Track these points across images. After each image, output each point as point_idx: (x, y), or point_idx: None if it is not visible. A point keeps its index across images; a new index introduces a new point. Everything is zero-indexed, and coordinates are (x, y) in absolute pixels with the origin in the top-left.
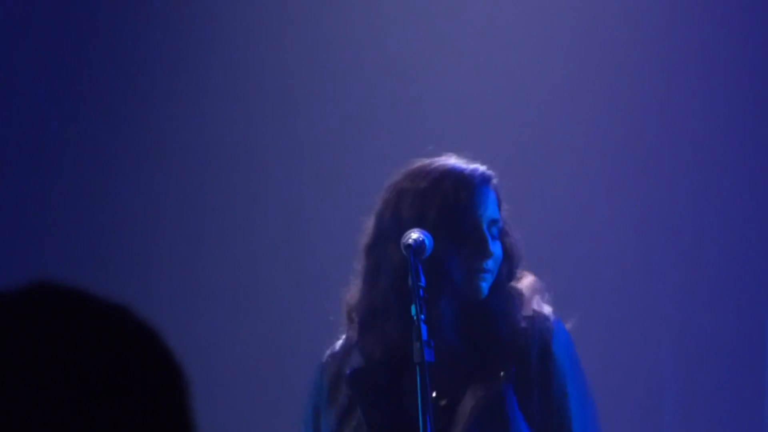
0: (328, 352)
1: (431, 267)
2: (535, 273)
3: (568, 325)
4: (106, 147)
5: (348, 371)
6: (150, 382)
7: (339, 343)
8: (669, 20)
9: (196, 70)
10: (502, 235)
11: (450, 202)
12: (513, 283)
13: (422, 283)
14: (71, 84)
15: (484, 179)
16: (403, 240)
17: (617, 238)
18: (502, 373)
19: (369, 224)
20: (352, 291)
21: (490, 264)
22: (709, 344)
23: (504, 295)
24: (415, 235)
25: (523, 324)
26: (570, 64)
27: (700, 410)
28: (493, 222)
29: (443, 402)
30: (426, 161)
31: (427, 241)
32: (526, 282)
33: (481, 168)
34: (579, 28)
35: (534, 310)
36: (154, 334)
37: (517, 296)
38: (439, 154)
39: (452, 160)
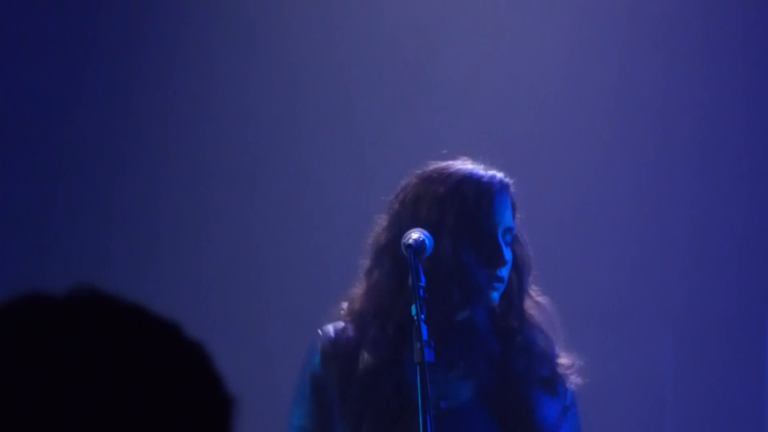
0: (328, 337)
1: (456, 273)
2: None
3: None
4: (107, 146)
5: (359, 367)
6: (193, 402)
7: (336, 329)
8: (669, 20)
9: (199, 69)
10: (513, 243)
11: (470, 208)
12: (530, 304)
13: (422, 283)
14: (71, 84)
15: (503, 186)
16: (404, 240)
17: (617, 237)
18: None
19: (382, 225)
20: (359, 290)
21: (503, 272)
22: (710, 344)
23: (523, 320)
24: (415, 235)
25: (551, 373)
26: (574, 64)
27: (700, 410)
28: (508, 230)
29: (445, 404)
30: (442, 165)
31: (427, 242)
32: (543, 310)
33: (499, 175)
34: (584, 29)
35: (562, 365)
36: (204, 354)
37: (540, 332)
38: (453, 157)
39: (469, 165)
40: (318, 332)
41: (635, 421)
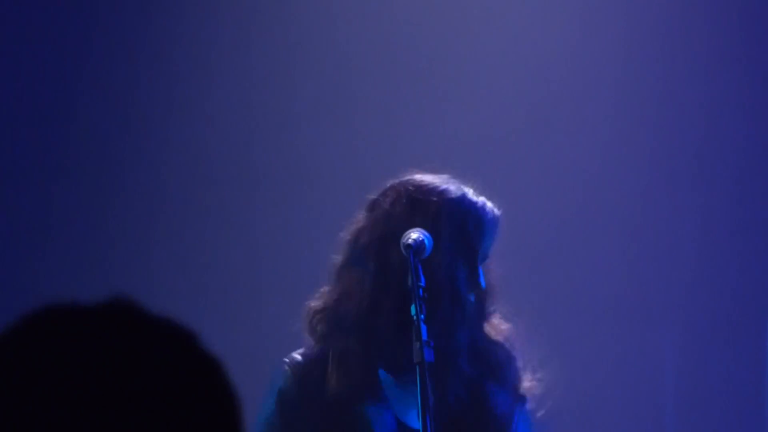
0: (299, 360)
1: (450, 291)
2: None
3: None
4: (106, 147)
5: (342, 383)
6: (204, 415)
7: (305, 352)
8: (668, 20)
9: (197, 70)
10: (484, 269)
11: (467, 233)
12: (493, 328)
13: (422, 283)
14: (71, 84)
15: (496, 219)
16: (403, 240)
17: (619, 237)
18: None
19: (362, 222)
20: (333, 291)
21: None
22: (710, 344)
23: (485, 341)
24: (415, 235)
25: (511, 396)
26: (578, 63)
27: (701, 410)
28: (485, 257)
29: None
30: (437, 178)
31: (426, 242)
32: (504, 334)
33: (496, 210)
34: (577, 30)
35: (521, 387)
36: (220, 367)
37: (505, 350)
38: (442, 171)
39: (469, 192)
40: (284, 360)
41: (635, 421)
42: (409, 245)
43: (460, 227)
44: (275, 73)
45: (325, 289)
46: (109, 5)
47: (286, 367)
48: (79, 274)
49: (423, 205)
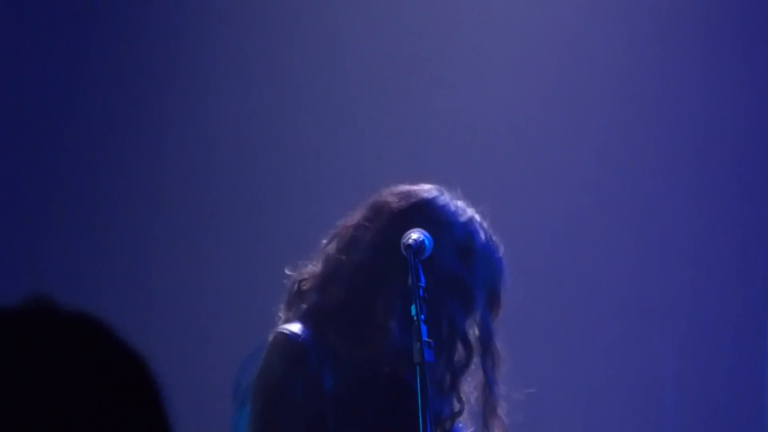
0: (299, 340)
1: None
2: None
3: None
4: (104, 148)
5: (345, 376)
6: (123, 393)
7: (299, 331)
8: (668, 19)
9: (195, 71)
10: None
11: (492, 273)
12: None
13: (422, 283)
14: (70, 85)
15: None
16: (404, 240)
17: (619, 238)
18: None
19: (368, 219)
20: (328, 284)
21: None
22: (710, 344)
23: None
24: (415, 235)
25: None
26: (566, 66)
27: (700, 410)
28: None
29: None
30: (452, 201)
31: (427, 242)
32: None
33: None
34: (576, 29)
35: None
36: (144, 366)
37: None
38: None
39: (484, 227)
40: (284, 335)
41: (635, 421)
42: (409, 245)
43: (489, 272)
44: (274, 72)
45: (313, 270)
46: (110, 5)
47: (295, 341)
48: (77, 275)
49: (445, 225)
